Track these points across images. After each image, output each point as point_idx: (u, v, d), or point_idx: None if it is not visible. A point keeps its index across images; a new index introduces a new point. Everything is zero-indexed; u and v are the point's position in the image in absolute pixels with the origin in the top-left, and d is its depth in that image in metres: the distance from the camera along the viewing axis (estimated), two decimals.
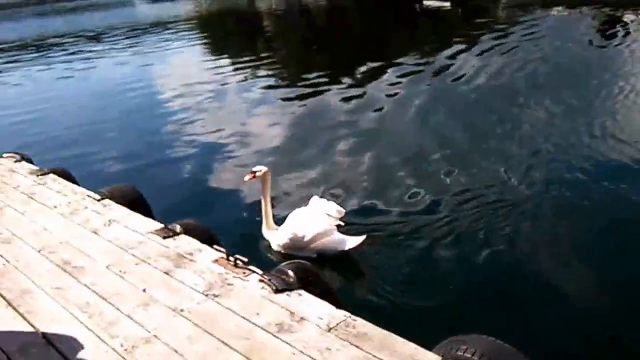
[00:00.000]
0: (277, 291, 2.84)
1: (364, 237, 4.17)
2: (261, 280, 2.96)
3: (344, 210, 4.34)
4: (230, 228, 4.61)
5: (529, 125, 6.99)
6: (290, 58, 14.87)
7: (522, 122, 7.11)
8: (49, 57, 17.29)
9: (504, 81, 9.24)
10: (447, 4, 20.80)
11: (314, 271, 3.14)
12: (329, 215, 4.21)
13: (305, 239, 4.17)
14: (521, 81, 9.09)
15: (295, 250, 4.25)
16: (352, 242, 4.17)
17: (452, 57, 11.51)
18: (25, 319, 2.94)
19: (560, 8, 16.53)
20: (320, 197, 4.52)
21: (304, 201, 4.67)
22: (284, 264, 3.09)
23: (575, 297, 3.74)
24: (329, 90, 9.95)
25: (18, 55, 18.47)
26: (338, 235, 4.23)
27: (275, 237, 4.39)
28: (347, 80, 10.57)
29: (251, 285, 2.96)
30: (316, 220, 4.18)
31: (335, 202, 4.47)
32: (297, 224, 4.23)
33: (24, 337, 2.80)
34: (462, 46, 12.48)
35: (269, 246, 4.47)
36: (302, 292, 2.83)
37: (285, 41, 18.36)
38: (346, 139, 7.28)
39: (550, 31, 13.38)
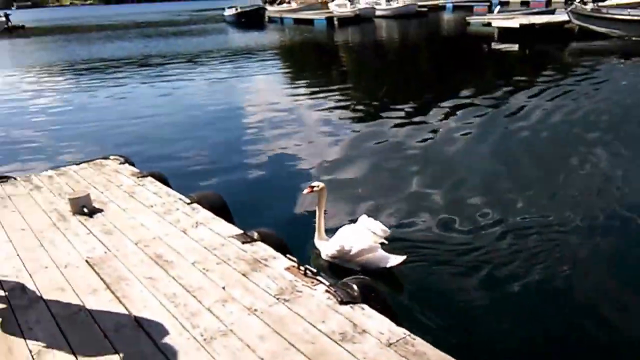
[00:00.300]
0: (341, 303, 2.86)
1: (404, 257, 4.20)
2: (327, 291, 3.00)
3: (388, 230, 4.37)
4: (289, 234, 4.68)
5: (583, 169, 6.68)
6: (360, 87, 14.97)
7: (575, 165, 6.81)
8: (152, 74, 18.25)
9: (560, 123, 8.89)
10: (515, 46, 20.34)
11: (376, 288, 3.14)
12: (374, 233, 4.27)
13: (351, 253, 4.24)
14: (578, 125, 8.69)
15: (341, 261, 4.34)
16: (393, 260, 4.20)
17: (513, 96, 11.22)
18: (120, 302, 3.12)
19: (626, 57, 15.79)
20: (368, 215, 4.57)
21: (353, 217, 4.74)
22: (348, 278, 3.12)
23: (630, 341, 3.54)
24: (391, 118, 9.98)
25: (125, 71, 19.61)
26: (381, 253, 4.27)
27: (325, 247, 4.49)
28: (410, 111, 10.55)
29: (318, 294, 3.00)
30: (362, 237, 4.26)
31: (381, 221, 4.50)
32: (345, 238, 4.32)
33: (118, 318, 2.97)
34: (524, 86, 12.15)
35: (319, 255, 4.56)
36: (364, 306, 2.84)
37: (357, 72, 18.49)
38: (400, 165, 7.30)
39: (613, 79, 12.76)
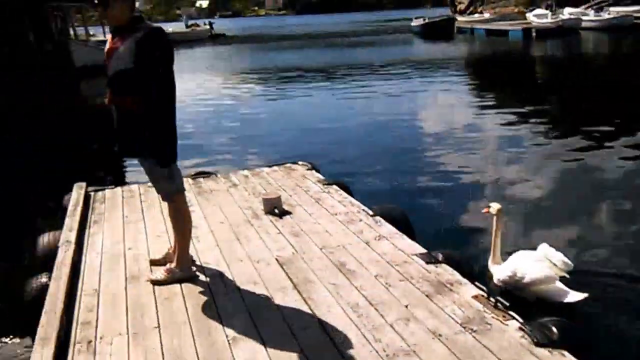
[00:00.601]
0: (538, 344, 2.71)
1: (585, 295, 3.81)
2: (521, 329, 2.86)
3: (571, 264, 3.99)
4: (463, 254, 4.57)
5: None
6: (555, 105, 13.91)
7: None
8: (337, 84, 19.25)
9: None
10: None
11: (579, 333, 2.91)
12: (553, 264, 3.95)
13: (524, 281, 3.99)
14: None
15: (513, 288, 4.10)
16: (573, 296, 3.83)
17: None
18: (306, 303, 3.35)
19: None
20: (549, 244, 4.22)
21: (531, 242, 4.55)
22: (547, 318, 2.94)
23: None
24: (587, 140, 9.18)
25: (313, 79, 21.05)
26: (559, 286, 3.92)
27: (498, 271, 4.29)
28: (611, 134, 9.53)
29: (510, 330, 2.88)
30: (538, 265, 3.98)
31: (562, 251, 4.13)
32: (519, 264, 4.09)
33: (304, 318, 3.19)
34: None
35: (491, 278, 4.36)
36: (565, 353, 2.64)
37: (554, 88, 17.14)
38: (590, 191, 6.75)
39: None
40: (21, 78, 20.60)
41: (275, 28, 77.76)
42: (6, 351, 4.14)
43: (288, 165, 6.66)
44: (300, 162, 6.70)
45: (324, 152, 9.08)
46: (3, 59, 21.69)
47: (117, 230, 4.79)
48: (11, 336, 4.26)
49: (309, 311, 3.26)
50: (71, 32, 33.29)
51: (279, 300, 3.42)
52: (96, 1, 3.37)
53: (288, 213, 4.96)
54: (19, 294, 4.09)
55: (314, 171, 6.36)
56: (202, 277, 3.80)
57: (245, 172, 6.52)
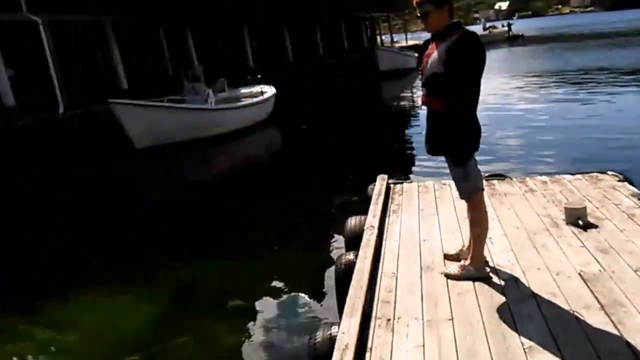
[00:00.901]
0: None
1: None
2: None
3: None
4: None
5: None
6: None
7: None
8: None
9: None
10: None
11: None
12: None
13: None
14: None
15: None
16: None
17: None
18: (616, 327, 2.98)
19: None
20: None
21: None
22: None
23: None
24: None
25: (625, 81, 18.45)
26: None
27: None
28: None
29: None
30: None
31: None
32: None
33: (613, 343, 2.86)
34: None
35: None
36: None
37: None
38: None
39: None
40: (339, 82, 23.66)
41: (579, 26, 70.64)
42: (314, 314, 4.81)
43: (594, 174, 5.96)
44: (609, 172, 5.92)
45: (637, 163, 7.85)
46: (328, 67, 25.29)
47: (413, 221, 5.03)
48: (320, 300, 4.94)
49: (619, 337, 2.88)
50: (378, 39, 36.42)
51: (582, 318, 3.11)
52: (419, 14, 3.61)
53: (594, 226, 4.45)
54: (329, 266, 4.70)
55: (626, 183, 5.55)
56: (495, 279, 3.71)
57: (544, 177, 6.10)
